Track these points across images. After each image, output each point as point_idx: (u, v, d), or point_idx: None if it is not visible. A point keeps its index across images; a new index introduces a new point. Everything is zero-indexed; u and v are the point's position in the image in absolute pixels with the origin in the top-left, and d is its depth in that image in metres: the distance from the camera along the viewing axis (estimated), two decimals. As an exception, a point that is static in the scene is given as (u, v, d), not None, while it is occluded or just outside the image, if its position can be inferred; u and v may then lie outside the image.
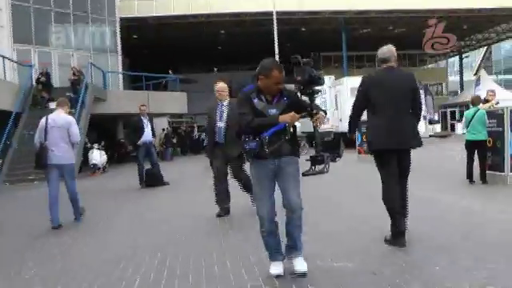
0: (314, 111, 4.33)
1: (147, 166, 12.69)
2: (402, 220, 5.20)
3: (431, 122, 39.45)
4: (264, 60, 4.31)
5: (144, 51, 39.34)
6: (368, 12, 35.80)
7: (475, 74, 71.78)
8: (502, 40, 52.38)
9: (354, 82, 24.91)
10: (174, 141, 29.36)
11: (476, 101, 10.10)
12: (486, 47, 61.50)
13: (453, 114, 42.99)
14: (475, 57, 73.39)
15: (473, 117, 9.64)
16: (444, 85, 56.10)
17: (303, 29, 38.75)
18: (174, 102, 26.55)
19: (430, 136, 37.47)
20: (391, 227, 5.16)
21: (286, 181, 4.30)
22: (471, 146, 9.81)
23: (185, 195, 10.76)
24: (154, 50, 39.11)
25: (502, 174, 9.54)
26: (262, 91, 4.25)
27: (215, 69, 51.97)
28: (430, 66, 58.67)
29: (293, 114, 4.12)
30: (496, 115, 9.78)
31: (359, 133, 16.87)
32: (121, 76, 27.55)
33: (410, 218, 5.45)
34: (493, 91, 12.59)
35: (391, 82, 5.30)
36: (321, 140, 5.29)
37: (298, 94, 4.80)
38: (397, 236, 5.11)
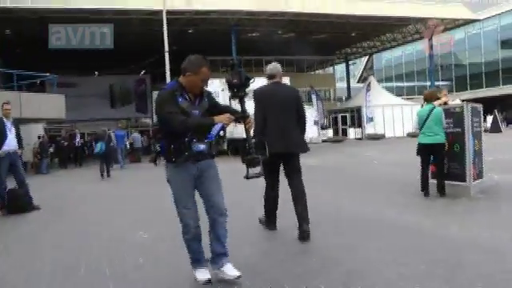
0: (247, 114, 4.39)
1: (11, 183, 9.55)
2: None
3: (323, 127, 39.16)
4: (191, 56, 4.22)
5: (17, 50, 34.85)
6: (258, 13, 34.22)
7: (358, 81, 74.63)
8: (386, 49, 53.97)
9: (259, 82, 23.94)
10: (51, 150, 25.27)
11: (430, 97, 8.37)
12: (368, 56, 63.38)
13: (344, 119, 42.96)
14: (358, 65, 76.00)
15: (428, 115, 8.01)
16: (332, 91, 56.64)
17: (190, 30, 36.38)
18: (51, 105, 22.84)
19: (324, 141, 37.21)
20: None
21: (210, 184, 4.32)
22: (426, 149, 8.18)
23: (61, 225, 7.90)
24: (29, 49, 34.21)
25: (463, 184, 8.01)
26: (186, 89, 4.18)
27: (96, 72, 48.26)
28: (317, 71, 58.99)
29: (228, 115, 4.16)
30: (452, 114, 8.23)
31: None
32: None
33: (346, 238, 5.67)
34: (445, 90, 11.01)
35: (279, 95, 5.99)
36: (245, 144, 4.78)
37: (229, 96, 4.69)
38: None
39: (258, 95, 5.94)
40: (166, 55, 25.61)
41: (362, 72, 77.33)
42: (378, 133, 38.34)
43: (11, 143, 9.39)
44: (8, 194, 9.33)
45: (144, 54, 38.15)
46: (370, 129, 39.33)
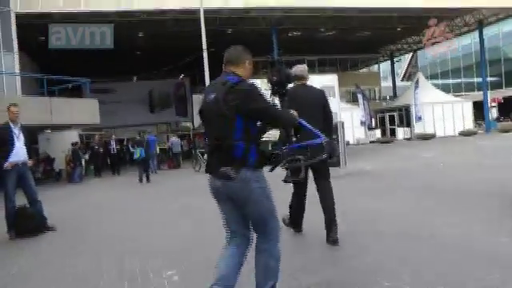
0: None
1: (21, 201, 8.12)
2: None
3: (370, 127, 37.39)
4: (234, 46, 3.86)
5: (54, 55, 34.11)
6: (299, 10, 32.42)
7: (402, 79, 72.03)
8: (434, 44, 50.97)
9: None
10: (87, 157, 24.07)
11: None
12: (412, 53, 60.87)
13: (392, 118, 40.87)
14: (401, 63, 73.28)
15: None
16: (377, 89, 54.52)
17: (229, 31, 35.00)
18: (84, 110, 21.85)
19: (371, 142, 35.34)
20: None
21: None
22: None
23: (82, 260, 6.02)
24: (65, 55, 33.48)
25: None
26: None
27: (135, 77, 47.53)
28: (361, 70, 56.96)
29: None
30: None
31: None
32: (18, 79, 22.38)
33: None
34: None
35: (308, 97, 5.89)
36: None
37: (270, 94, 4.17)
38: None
39: (292, 95, 5.03)
40: (205, 54, 24.22)
41: (406, 70, 74.64)
42: (428, 132, 36.10)
43: (19, 153, 7.99)
44: (17, 213, 7.89)
45: (181, 57, 37.06)
46: (418, 128, 37.17)
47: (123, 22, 28.90)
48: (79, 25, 24.61)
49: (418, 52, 62.21)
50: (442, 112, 37.38)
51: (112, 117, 43.47)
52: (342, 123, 14.38)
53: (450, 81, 66.42)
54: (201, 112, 3.72)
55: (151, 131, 26.46)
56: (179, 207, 10.38)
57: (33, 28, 26.50)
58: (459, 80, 64.41)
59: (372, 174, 13.79)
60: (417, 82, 38.22)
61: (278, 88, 4.17)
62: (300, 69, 6.11)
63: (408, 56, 67.95)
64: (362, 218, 7.18)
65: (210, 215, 5.92)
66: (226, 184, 3.45)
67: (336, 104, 23.11)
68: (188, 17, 29.51)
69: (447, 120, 37.08)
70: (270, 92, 4.18)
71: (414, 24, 39.24)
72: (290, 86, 5.19)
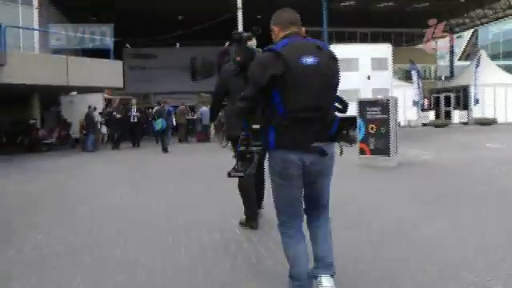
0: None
1: None
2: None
3: (423, 108, 34.40)
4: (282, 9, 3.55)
5: (94, 17, 32.35)
6: None
7: (460, 58, 67.62)
8: (499, 19, 46.59)
9: (344, 50, 19.96)
10: (101, 122, 21.67)
11: None
12: (472, 30, 56.63)
13: (447, 99, 37.52)
14: (460, 41, 68.68)
15: None
16: (432, 68, 50.95)
17: None
18: (105, 72, 19.96)
19: (424, 125, 32.34)
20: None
21: None
22: None
23: None
24: (103, 16, 31.49)
25: None
26: None
27: (177, 43, 45.61)
28: (417, 46, 53.26)
29: None
30: None
31: (362, 120, 11.27)
32: (36, 34, 20.62)
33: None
34: None
35: None
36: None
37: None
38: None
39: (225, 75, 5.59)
40: (239, 14, 21.87)
41: (465, 48, 69.96)
42: (488, 117, 32.72)
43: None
44: None
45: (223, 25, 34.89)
46: (477, 112, 33.74)
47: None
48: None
49: (480, 30, 58.10)
50: (505, 96, 33.77)
51: (154, 83, 42.42)
52: (396, 99, 11.86)
53: (515, 62, 61.62)
54: (281, 75, 3.14)
55: (169, 101, 24.26)
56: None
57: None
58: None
59: (429, 166, 11.25)
60: (478, 61, 34.60)
61: (241, 70, 3.94)
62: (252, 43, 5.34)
63: (468, 33, 63.41)
64: (418, 251, 4.73)
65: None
66: (320, 160, 3.26)
67: (388, 79, 20.53)
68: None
69: (510, 105, 33.59)
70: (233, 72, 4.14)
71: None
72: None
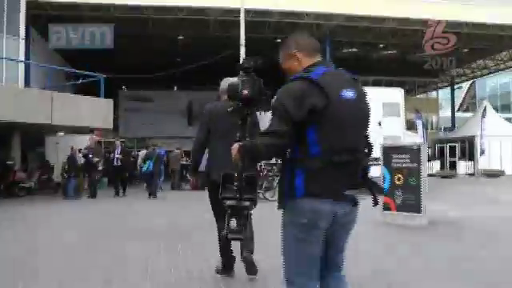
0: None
1: None
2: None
3: (428, 158, 32.97)
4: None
5: (84, 56, 31.01)
6: (358, 18, 28.38)
7: (458, 109, 66.92)
8: (500, 70, 45.98)
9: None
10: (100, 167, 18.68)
11: None
12: (470, 82, 56.08)
13: (452, 150, 36.30)
14: (458, 93, 68.11)
15: None
16: (434, 118, 49.94)
17: (278, 39, 30.73)
18: (94, 111, 18.18)
19: (430, 175, 30.85)
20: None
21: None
22: None
23: None
24: (103, 59, 29.80)
25: None
26: None
27: (175, 86, 44.42)
28: (419, 96, 52.38)
29: None
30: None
31: (386, 169, 9.70)
32: (21, 67, 19.17)
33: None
34: None
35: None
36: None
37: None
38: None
39: (214, 113, 5.44)
40: (242, 50, 20.69)
41: (464, 99, 69.37)
42: (495, 169, 31.41)
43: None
44: None
45: (224, 65, 33.73)
46: (482, 163, 32.53)
47: (162, 19, 25.94)
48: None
49: (477, 82, 57.43)
50: (512, 148, 32.80)
51: (150, 126, 41.12)
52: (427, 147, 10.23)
53: (512, 115, 60.82)
54: (321, 109, 2.71)
55: (161, 145, 23.17)
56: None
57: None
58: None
59: (463, 226, 9.45)
60: (484, 111, 33.67)
61: (244, 106, 3.20)
62: (232, 82, 4.50)
63: (466, 85, 62.89)
64: None
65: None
66: (351, 211, 2.91)
67: (400, 126, 19.14)
68: (231, 18, 26.01)
69: (515, 156, 32.44)
70: (230, 109, 3.39)
71: (485, 45, 34.72)
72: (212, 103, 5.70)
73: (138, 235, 8.90)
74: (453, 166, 35.08)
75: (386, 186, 9.53)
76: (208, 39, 29.15)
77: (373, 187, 2.94)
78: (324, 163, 2.69)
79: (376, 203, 3.07)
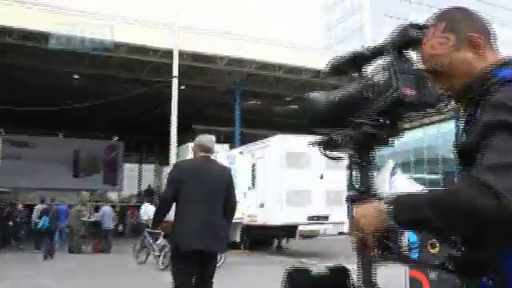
0: None
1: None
2: None
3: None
4: None
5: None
6: (274, 67, 26.27)
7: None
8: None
9: (292, 143, 16.86)
10: None
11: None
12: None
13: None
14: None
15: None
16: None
17: (183, 86, 27.73)
18: None
19: (340, 233, 29.52)
20: None
21: None
22: None
23: None
24: None
25: None
26: None
27: (60, 133, 39.81)
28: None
29: None
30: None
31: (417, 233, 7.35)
32: None
33: None
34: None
35: (209, 174, 5.27)
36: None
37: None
38: None
39: (191, 170, 5.39)
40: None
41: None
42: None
43: None
44: None
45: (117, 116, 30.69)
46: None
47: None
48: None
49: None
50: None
51: (27, 177, 36.28)
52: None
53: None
54: None
55: (63, 200, 20.29)
56: None
57: None
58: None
59: None
60: (394, 168, 33.37)
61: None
62: (207, 138, 5.52)
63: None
64: None
65: None
66: None
67: (342, 179, 17.29)
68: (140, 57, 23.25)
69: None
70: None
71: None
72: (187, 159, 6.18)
73: None
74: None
75: (413, 254, 7.21)
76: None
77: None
78: None
79: None
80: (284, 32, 76.66)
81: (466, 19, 1.88)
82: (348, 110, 1.95)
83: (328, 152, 2.06)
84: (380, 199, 1.78)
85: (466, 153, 1.62)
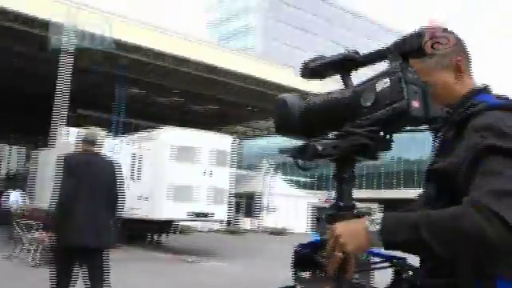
0: None
1: None
2: None
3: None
4: None
5: None
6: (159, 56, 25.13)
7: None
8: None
9: (179, 137, 16.38)
10: None
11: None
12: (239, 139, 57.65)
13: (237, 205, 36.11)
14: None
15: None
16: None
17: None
18: None
19: (214, 230, 29.72)
20: None
21: None
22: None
23: None
24: None
25: None
26: None
27: None
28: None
29: None
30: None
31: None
32: None
33: None
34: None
35: (92, 169, 5.21)
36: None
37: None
38: None
39: (72, 165, 5.16)
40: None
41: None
42: (279, 227, 32.10)
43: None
44: None
45: None
46: (269, 221, 33.00)
47: None
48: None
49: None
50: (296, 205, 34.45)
51: None
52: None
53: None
54: None
55: None
56: None
57: None
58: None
59: None
60: (267, 170, 34.58)
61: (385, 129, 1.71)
62: (92, 132, 5.36)
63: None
64: None
65: None
66: None
67: (227, 178, 17.34)
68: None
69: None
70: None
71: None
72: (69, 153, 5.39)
73: None
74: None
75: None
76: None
77: None
78: None
79: None
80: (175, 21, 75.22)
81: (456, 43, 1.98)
82: (335, 118, 1.73)
83: (300, 161, 1.81)
84: (362, 216, 1.66)
85: (444, 174, 1.60)
